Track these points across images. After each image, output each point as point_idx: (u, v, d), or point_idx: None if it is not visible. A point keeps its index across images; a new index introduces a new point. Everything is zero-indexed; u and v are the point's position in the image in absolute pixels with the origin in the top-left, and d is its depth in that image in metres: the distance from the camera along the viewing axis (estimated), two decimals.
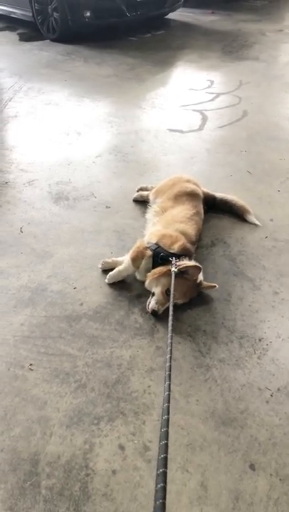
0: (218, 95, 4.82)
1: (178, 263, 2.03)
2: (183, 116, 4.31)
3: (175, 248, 2.13)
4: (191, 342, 1.96)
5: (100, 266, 2.33)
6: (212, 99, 4.70)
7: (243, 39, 7.05)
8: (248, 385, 1.78)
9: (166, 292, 2.00)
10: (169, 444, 0.90)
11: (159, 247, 2.14)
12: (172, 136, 3.86)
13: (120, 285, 2.26)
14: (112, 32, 7.16)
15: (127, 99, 4.68)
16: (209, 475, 1.49)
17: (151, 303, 2.05)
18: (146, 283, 2.13)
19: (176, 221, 2.33)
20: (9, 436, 1.60)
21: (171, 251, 2.12)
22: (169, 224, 2.32)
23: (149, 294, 2.13)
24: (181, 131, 3.95)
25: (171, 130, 3.97)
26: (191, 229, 2.30)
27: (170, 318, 1.57)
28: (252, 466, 1.51)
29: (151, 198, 2.75)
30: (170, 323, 1.53)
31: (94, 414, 1.67)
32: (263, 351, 1.93)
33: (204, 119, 4.22)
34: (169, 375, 1.15)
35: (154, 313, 2.04)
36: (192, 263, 2.04)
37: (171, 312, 1.63)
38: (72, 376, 1.81)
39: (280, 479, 1.48)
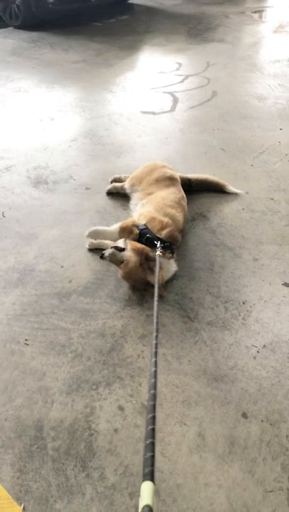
0: (186, 77, 4.88)
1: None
2: (154, 98, 4.36)
3: (162, 234, 2.18)
4: (179, 309, 2.06)
5: (86, 234, 2.35)
6: (181, 81, 4.76)
7: (208, 22, 7.11)
8: (235, 344, 1.89)
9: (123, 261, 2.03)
10: (158, 394, 0.97)
11: (146, 228, 2.18)
12: (145, 118, 3.91)
13: (107, 262, 2.32)
14: (76, 18, 7.09)
15: (97, 84, 4.68)
16: (205, 426, 1.59)
17: (108, 250, 2.03)
18: (121, 242, 2.12)
19: (166, 205, 2.34)
20: (12, 406, 1.66)
21: (158, 236, 2.16)
22: (160, 207, 2.33)
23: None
24: (154, 113, 4.01)
25: (143, 112, 4.02)
26: (180, 216, 2.34)
27: (155, 299, 1.57)
28: (244, 415, 1.62)
29: (127, 186, 2.74)
30: (155, 303, 1.54)
31: (92, 380, 1.74)
32: (247, 313, 2.04)
33: (175, 100, 4.29)
34: (157, 336, 1.23)
35: (101, 256, 2.02)
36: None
37: (156, 290, 1.66)
38: (67, 347, 1.87)
39: (271, 424, 1.59)
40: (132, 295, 2.13)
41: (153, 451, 0.81)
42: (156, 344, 1.19)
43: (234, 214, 2.68)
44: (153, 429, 0.86)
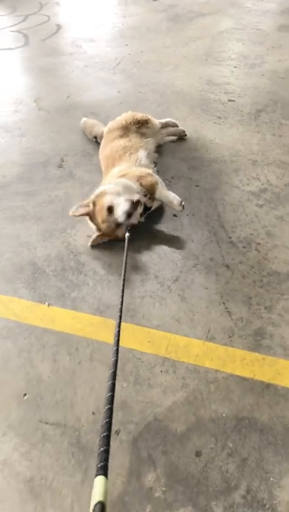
0: (26, 17, 5.12)
1: None
2: (3, 37, 4.55)
3: None
4: None
5: None
6: (23, 20, 5.00)
7: None
8: None
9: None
10: None
11: None
12: (5, 54, 4.13)
13: (30, 157, 2.70)
14: None
15: None
16: None
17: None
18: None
19: None
20: (3, 259, 2.04)
21: None
22: None
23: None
24: (11, 49, 4.25)
25: (0, 49, 4.23)
26: None
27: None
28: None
29: None
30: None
31: (59, 228, 2.20)
32: None
33: (26, 36, 4.55)
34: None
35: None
36: None
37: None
38: (27, 216, 2.28)
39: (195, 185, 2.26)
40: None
41: (107, 444, 0.77)
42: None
43: (115, 107, 3.23)
44: (109, 422, 0.83)
